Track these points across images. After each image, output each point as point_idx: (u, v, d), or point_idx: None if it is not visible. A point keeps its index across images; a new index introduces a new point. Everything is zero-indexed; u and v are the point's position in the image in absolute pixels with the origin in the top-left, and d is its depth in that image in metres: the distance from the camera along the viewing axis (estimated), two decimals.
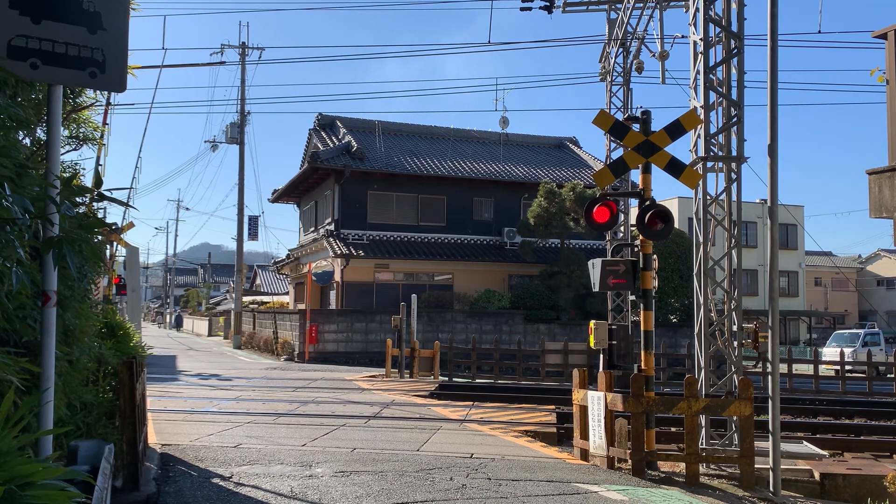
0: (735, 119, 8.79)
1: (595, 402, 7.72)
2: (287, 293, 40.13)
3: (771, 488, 7.42)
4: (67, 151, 6.39)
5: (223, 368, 20.79)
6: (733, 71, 8.86)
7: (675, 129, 7.93)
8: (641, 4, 14.43)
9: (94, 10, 3.78)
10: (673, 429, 10.36)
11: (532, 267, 27.74)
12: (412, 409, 11.69)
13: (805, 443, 9.66)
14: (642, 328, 8.02)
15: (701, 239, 8.82)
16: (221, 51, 33.98)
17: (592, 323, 10.54)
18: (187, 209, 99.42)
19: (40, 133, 4.82)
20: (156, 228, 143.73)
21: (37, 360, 3.30)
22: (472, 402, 12.91)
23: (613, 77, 16.01)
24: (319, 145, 29.98)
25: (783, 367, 18.01)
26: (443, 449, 8.03)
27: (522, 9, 16.18)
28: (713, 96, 8.90)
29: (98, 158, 8.89)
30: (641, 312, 8.07)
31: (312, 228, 32.00)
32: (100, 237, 4.17)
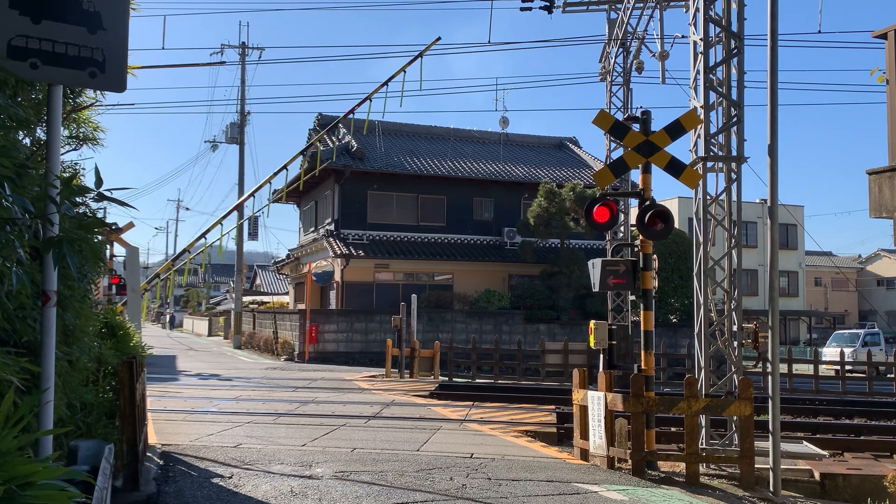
0: (735, 119, 8.79)
1: (595, 402, 7.72)
2: (287, 293, 40.12)
3: (771, 488, 7.42)
4: (67, 151, 6.39)
5: (223, 368, 20.79)
6: (733, 71, 8.86)
7: (675, 129, 7.93)
8: (641, 4, 14.44)
9: (94, 10, 3.77)
10: (673, 429, 10.36)
11: (532, 267, 27.74)
12: (412, 409, 11.69)
13: (805, 443, 9.66)
14: (642, 328, 8.02)
15: (701, 239, 8.82)
16: (221, 51, 34.02)
17: (592, 323, 10.54)
18: (187, 209, 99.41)
19: (40, 133, 4.82)
20: (156, 228, 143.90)
21: (37, 360, 3.30)
22: (472, 402, 12.90)
23: (613, 77, 16.02)
24: (319, 145, 29.99)
25: (783, 367, 18.01)
26: (443, 449, 8.03)
27: (522, 9, 16.18)
28: (713, 96, 8.90)
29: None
30: (641, 312, 8.07)
31: (312, 228, 32.01)
32: (100, 237, 4.17)
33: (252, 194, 14.80)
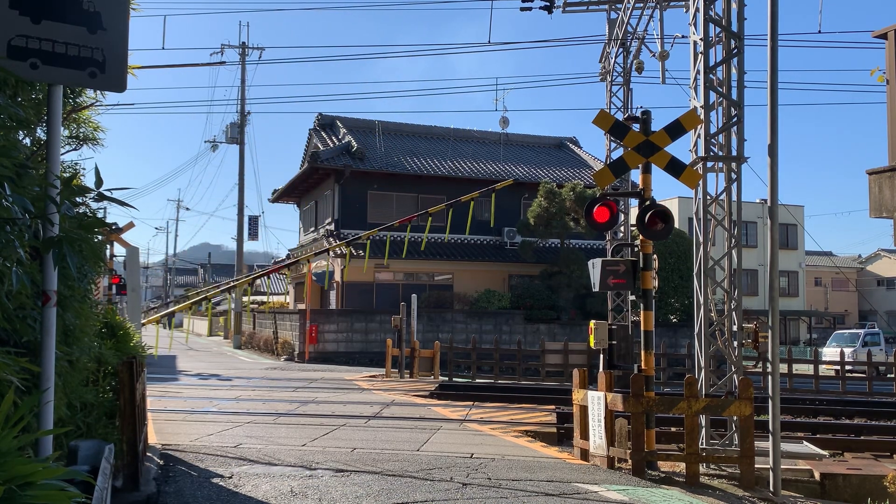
0: (735, 119, 8.79)
1: (595, 402, 7.72)
2: (287, 293, 40.12)
3: (771, 488, 7.42)
4: (67, 151, 6.39)
5: (223, 368, 20.79)
6: (733, 71, 8.86)
7: (675, 129, 7.92)
8: (641, 4, 14.43)
9: (94, 10, 3.77)
10: (673, 429, 10.36)
11: (532, 267, 27.74)
12: (412, 409, 11.69)
13: (805, 443, 9.66)
14: (642, 328, 8.01)
15: (701, 239, 8.82)
16: (221, 51, 34.03)
17: (592, 323, 10.54)
18: (187, 209, 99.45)
19: (40, 133, 4.82)
20: (156, 228, 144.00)
21: (37, 360, 3.30)
22: (472, 402, 12.90)
23: (613, 77, 16.01)
24: (319, 145, 29.99)
25: (783, 367, 18.01)
26: (443, 449, 8.03)
27: (522, 9, 16.17)
28: (713, 96, 8.90)
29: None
30: (641, 312, 8.06)
31: (312, 228, 32.01)
32: (100, 237, 4.17)
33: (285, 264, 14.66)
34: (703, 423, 8.51)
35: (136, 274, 13.61)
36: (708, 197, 8.85)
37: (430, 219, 15.17)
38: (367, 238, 14.14)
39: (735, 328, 8.75)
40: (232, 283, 15.04)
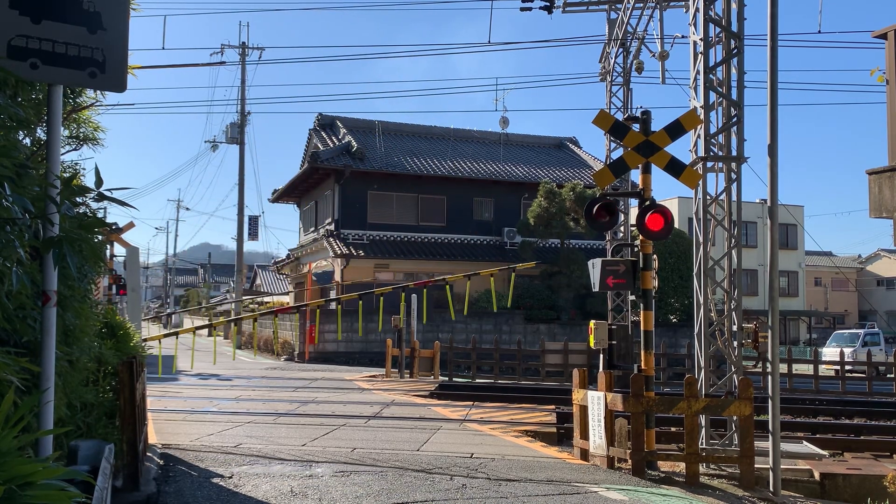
0: (735, 119, 8.79)
1: (595, 402, 7.72)
2: (287, 293, 40.13)
3: (771, 488, 7.42)
4: (67, 151, 6.39)
5: (223, 368, 20.80)
6: (733, 71, 8.86)
7: (675, 129, 7.92)
8: (641, 4, 14.43)
9: (94, 10, 3.78)
10: (673, 429, 10.36)
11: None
12: (412, 409, 11.69)
13: (805, 443, 9.66)
14: (642, 328, 8.01)
15: (701, 239, 8.82)
16: (221, 51, 33.99)
17: (592, 323, 10.55)
18: (187, 209, 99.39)
19: (40, 133, 4.82)
20: (156, 228, 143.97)
21: (37, 359, 3.30)
22: (472, 402, 12.90)
23: (613, 77, 16.01)
24: (319, 145, 29.99)
25: (783, 367, 18.00)
26: (443, 449, 8.03)
27: (522, 9, 16.18)
28: (713, 96, 8.89)
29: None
30: (641, 312, 8.07)
31: (312, 228, 32.02)
32: (100, 237, 4.17)
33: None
34: (703, 423, 8.51)
35: (136, 274, 13.62)
36: (708, 197, 8.85)
37: (448, 287, 15.30)
38: (379, 293, 14.40)
39: (735, 328, 8.75)
40: (238, 317, 15.13)
